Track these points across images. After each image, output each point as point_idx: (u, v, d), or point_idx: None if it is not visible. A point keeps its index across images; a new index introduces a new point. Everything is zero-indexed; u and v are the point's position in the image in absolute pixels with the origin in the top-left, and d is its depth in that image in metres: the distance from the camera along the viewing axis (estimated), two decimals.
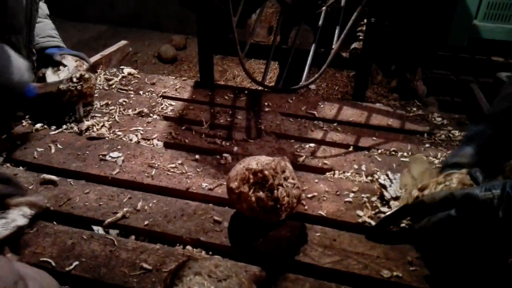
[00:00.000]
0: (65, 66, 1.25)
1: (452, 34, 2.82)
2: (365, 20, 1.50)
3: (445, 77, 2.93)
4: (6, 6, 1.07)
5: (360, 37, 1.43)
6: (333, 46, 1.15)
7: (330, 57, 1.10)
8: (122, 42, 1.67)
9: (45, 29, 1.31)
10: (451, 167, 0.86)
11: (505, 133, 0.85)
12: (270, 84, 2.39)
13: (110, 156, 1.04)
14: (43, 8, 1.33)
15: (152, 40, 4.27)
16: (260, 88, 1.41)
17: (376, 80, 3.06)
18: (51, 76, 1.22)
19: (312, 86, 2.70)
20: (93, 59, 1.50)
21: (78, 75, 1.18)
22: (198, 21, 1.42)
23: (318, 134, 1.20)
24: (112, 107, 1.26)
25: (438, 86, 2.92)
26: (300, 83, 1.12)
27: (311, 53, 1.18)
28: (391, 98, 2.91)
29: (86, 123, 1.15)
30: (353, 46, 1.41)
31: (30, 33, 1.19)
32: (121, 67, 1.53)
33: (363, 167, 1.05)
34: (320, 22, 1.25)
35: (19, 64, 1.07)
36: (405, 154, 1.12)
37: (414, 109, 1.36)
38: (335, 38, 1.18)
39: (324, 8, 1.29)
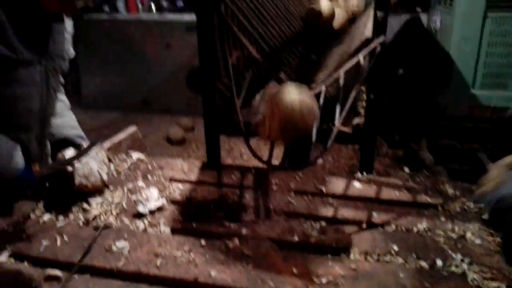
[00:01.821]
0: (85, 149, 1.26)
1: (451, 104, 2.89)
2: (364, 96, 1.55)
3: (450, 146, 2.95)
4: (15, 108, 1.10)
5: (361, 113, 1.47)
6: (335, 124, 1.18)
7: (333, 135, 1.12)
8: (131, 128, 1.72)
9: (68, 121, 1.37)
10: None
11: None
12: (277, 162, 2.41)
13: (116, 246, 1.01)
14: (65, 101, 1.39)
15: (161, 123, 4.43)
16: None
17: (382, 152, 3.08)
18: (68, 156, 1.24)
19: (319, 161, 2.71)
20: (104, 145, 1.53)
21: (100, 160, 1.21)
22: (204, 104, 1.48)
23: (328, 211, 1.17)
24: (120, 194, 1.26)
25: (444, 155, 2.92)
26: (306, 161, 1.12)
27: (314, 132, 1.21)
28: (399, 169, 2.90)
29: (93, 212, 1.14)
30: (355, 121, 1.43)
31: (44, 128, 1.23)
32: (130, 152, 1.56)
33: (380, 246, 1.01)
34: (321, 101, 1.30)
35: (6, 149, 1.06)
36: (420, 229, 1.07)
37: (424, 179, 1.34)
38: (337, 116, 1.21)
39: (323, 87, 1.34)
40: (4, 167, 1.06)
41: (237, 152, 3.68)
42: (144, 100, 4.68)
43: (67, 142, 1.32)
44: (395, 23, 3.79)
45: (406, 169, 2.98)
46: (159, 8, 4.31)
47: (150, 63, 4.49)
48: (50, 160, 1.32)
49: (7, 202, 1.15)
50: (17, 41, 1.01)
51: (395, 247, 0.99)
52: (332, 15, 1.69)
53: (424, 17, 3.63)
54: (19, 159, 1.10)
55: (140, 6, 4.33)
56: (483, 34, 2.68)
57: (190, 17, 4.13)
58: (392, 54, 3.76)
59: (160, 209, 1.18)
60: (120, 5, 4.27)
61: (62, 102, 1.37)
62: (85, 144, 1.31)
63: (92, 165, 1.21)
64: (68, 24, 1.21)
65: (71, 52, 1.27)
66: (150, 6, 4.30)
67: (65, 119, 1.36)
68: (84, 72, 4.53)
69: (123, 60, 4.45)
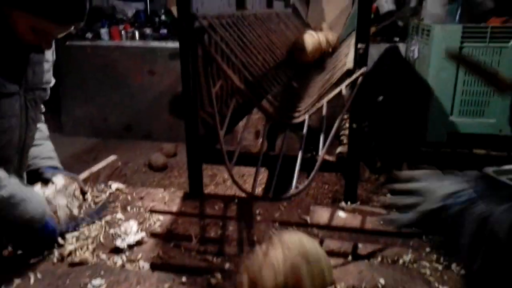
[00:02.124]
0: (53, 183, 1.22)
1: (430, 131, 2.95)
2: (347, 125, 1.57)
3: None
4: None
5: (344, 142, 1.47)
6: (319, 154, 1.17)
7: (317, 165, 1.11)
8: (111, 158, 1.69)
9: (44, 151, 1.32)
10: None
11: None
12: (260, 191, 2.39)
13: (92, 285, 0.96)
14: (43, 131, 1.35)
15: (143, 149, 4.36)
16: None
17: (364, 177, 3.10)
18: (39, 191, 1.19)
19: (301, 187, 2.71)
20: (81, 176, 1.49)
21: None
22: (186, 133, 1.46)
23: None
24: (97, 227, 1.21)
25: None
26: (290, 191, 1.11)
27: (298, 160, 1.20)
28: (381, 194, 2.91)
29: (68, 247, 1.09)
30: (338, 150, 1.44)
31: (22, 160, 1.19)
32: (109, 182, 1.52)
33: (367, 279, 0.99)
34: (304, 131, 1.30)
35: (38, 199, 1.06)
36: (406, 261, 1.06)
37: None
38: (320, 146, 1.21)
39: (306, 116, 1.34)
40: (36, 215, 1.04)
41: (220, 179, 3.64)
42: (127, 126, 4.63)
43: (40, 174, 1.27)
44: (374, 51, 3.92)
45: (389, 195, 2.99)
46: (143, 36, 4.34)
47: (133, 89, 4.47)
48: None
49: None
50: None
51: (382, 281, 0.97)
52: (315, 50, 1.72)
53: (402, 47, 3.75)
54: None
55: (123, 33, 4.34)
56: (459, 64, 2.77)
57: (174, 44, 4.17)
58: (372, 82, 3.86)
59: (139, 243, 1.14)
60: (103, 32, 4.28)
61: (41, 131, 1.33)
62: (61, 175, 1.27)
63: (60, 201, 1.16)
64: (49, 53, 1.18)
65: (51, 81, 1.24)
66: (134, 34, 4.32)
67: (41, 148, 1.31)
68: (65, 98, 4.48)
69: (105, 86, 4.42)
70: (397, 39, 3.94)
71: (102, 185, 1.49)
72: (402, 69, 3.61)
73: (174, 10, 4.34)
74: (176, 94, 4.23)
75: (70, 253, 1.08)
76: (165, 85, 4.39)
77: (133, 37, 4.34)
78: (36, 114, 1.19)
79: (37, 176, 1.25)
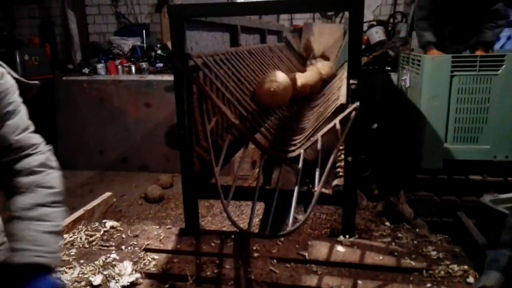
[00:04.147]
0: None
1: (425, 158, 2.96)
2: (342, 156, 1.57)
3: (428, 199, 2.98)
4: None
5: (340, 174, 1.47)
6: (315, 188, 1.17)
7: (314, 200, 1.10)
8: (106, 194, 1.67)
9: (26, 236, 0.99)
10: None
11: None
12: (256, 227, 2.36)
13: None
14: (30, 200, 1.04)
15: (139, 181, 4.34)
16: None
17: (361, 206, 3.07)
18: None
19: (299, 217, 2.68)
20: (76, 214, 1.47)
21: None
22: (182, 169, 1.46)
23: (312, 280, 1.13)
24: (91, 269, 1.18)
25: (423, 207, 2.94)
26: (288, 228, 1.09)
27: (294, 195, 1.19)
28: (380, 222, 2.89)
29: None
30: (334, 183, 1.43)
31: None
32: (104, 220, 1.50)
33: None
34: (300, 165, 1.30)
35: None
36: None
37: (405, 233, 1.33)
38: (316, 180, 1.21)
39: (302, 151, 1.35)
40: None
41: (217, 210, 3.60)
42: (123, 158, 4.62)
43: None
44: (367, 81, 4.00)
45: (387, 223, 2.97)
46: (139, 70, 4.41)
47: (129, 121, 4.49)
48: None
49: None
50: None
51: None
52: (287, 89, 1.67)
53: (394, 76, 3.83)
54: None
55: (120, 67, 4.41)
56: (451, 92, 2.82)
57: (169, 77, 4.23)
58: (366, 110, 3.91)
59: (133, 284, 1.11)
60: (100, 67, 4.35)
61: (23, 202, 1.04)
62: None
63: None
64: None
65: None
66: (130, 68, 4.39)
67: (24, 229, 1.00)
68: (61, 132, 4.49)
69: (101, 119, 4.44)
70: (388, 68, 4.03)
71: (97, 223, 1.47)
72: (395, 97, 3.67)
73: (169, 44, 4.44)
74: (172, 126, 4.26)
75: None
76: (161, 117, 4.43)
77: (129, 71, 4.41)
78: None
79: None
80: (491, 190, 2.81)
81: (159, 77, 4.33)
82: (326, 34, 4.11)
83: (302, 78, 1.94)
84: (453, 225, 1.44)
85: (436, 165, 2.97)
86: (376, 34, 4.31)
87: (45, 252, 0.97)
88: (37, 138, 1.18)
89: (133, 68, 4.39)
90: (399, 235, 1.36)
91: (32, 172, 1.09)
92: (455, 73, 2.75)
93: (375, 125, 4.02)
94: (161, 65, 4.46)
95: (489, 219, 2.08)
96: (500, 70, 2.70)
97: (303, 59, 3.47)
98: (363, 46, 4.45)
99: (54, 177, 1.13)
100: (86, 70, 4.40)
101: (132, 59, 4.60)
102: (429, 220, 2.92)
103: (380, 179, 3.41)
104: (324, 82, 2.89)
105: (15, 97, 1.12)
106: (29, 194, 1.05)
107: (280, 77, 1.61)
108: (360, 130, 1.33)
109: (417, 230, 1.53)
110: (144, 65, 4.40)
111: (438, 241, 1.34)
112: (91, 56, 4.61)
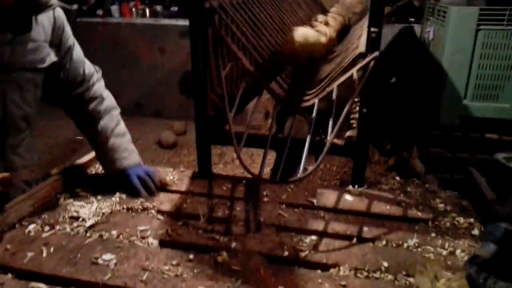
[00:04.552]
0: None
1: (443, 114, 2.92)
2: (357, 109, 1.55)
3: (441, 155, 2.97)
4: None
5: (354, 125, 1.47)
6: (328, 138, 1.17)
7: (325, 149, 1.11)
8: None
9: (124, 143, 1.40)
10: (475, 263, 0.84)
11: None
12: (267, 175, 2.40)
13: (102, 259, 0.99)
14: (107, 121, 1.39)
15: (153, 127, 4.40)
16: None
17: (373, 159, 3.09)
18: None
19: (310, 168, 2.72)
20: (93, 153, 1.51)
21: None
22: (196, 115, 1.47)
23: (319, 225, 1.17)
24: (108, 204, 1.24)
25: (435, 164, 2.94)
26: (298, 175, 1.12)
27: (306, 144, 1.20)
28: (390, 177, 2.91)
29: (89, 222, 1.13)
30: (347, 134, 1.43)
31: (4, 142, 1.20)
32: None
33: (370, 262, 1.00)
34: (314, 114, 1.29)
35: None
36: (411, 245, 1.07)
37: (415, 188, 1.35)
38: (329, 130, 1.21)
39: (316, 100, 1.34)
40: None
41: (229, 158, 3.67)
42: (137, 104, 4.65)
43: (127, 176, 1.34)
44: (389, 32, 3.84)
45: (397, 178, 2.99)
46: (153, 13, 4.30)
47: (143, 66, 4.47)
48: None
49: None
50: None
51: (385, 264, 0.99)
52: (311, 46, 1.63)
53: (417, 28, 3.66)
54: None
55: (134, 10, 4.31)
56: (475, 46, 2.71)
57: (184, 22, 4.13)
58: (385, 63, 3.80)
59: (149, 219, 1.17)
60: (114, 9, 4.25)
61: (110, 115, 1.38)
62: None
63: None
64: (39, 32, 1.13)
65: (45, 60, 1.18)
66: (144, 11, 4.29)
67: (121, 140, 1.38)
68: None
69: (115, 63, 4.42)
70: (412, 19, 3.85)
71: None
72: (416, 50, 3.54)
73: None
74: (186, 72, 4.23)
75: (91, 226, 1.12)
76: (175, 63, 4.39)
77: (143, 14, 4.32)
78: (22, 97, 1.16)
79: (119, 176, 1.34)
80: (506, 150, 2.78)
81: (173, 22, 4.24)
82: None
83: (326, 33, 1.86)
84: (463, 180, 1.44)
85: (454, 121, 2.93)
86: None
87: (136, 154, 1.41)
88: (91, 65, 1.33)
89: (147, 11, 4.29)
90: (408, 189, 1.38)
91: (103, 98, 1.39)
92: (481, 26, 2.62)
93: (394, 79, 3.92)
94: (176, 8, 4.34)
95: (501, 176, 2.08)
96: None
97: (322, 6, 3.33)
98: None
99: (112, 97, 1.44)
100: (99, 12, 4.31)
101: (146, 2, 4.48)
102: (440, 176, 2.93)
103: (394, 134, 3.39)
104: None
105: (69, 28, 1.22)
106: (108, 117, 1.37)
107: (308, 33, 1.58)
108: (378, 83, 1.30)
109: (427, 185, 1.54)
110: (158, 8, 4.29)
111: (447, 196, 1.35)
112: None
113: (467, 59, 2.73)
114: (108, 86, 1.43)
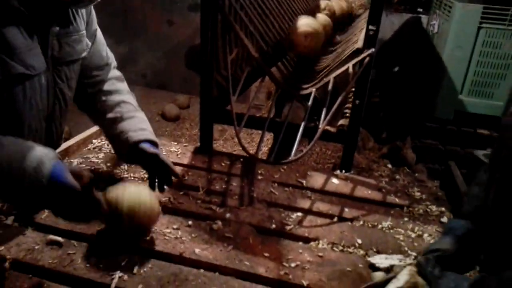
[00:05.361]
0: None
1: (439, 107, 3.01)
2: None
3: (433, 147, 3.09)
4: (25, 117, 1.06)
5: (347, 115, 1.57)
6: (320, 126, 1.29)
7: (317, 135, 1.23)
8: None
9: (134, 124, 1.22)
10: (431, 253, 0.94)
11: (480, 230, 0.93)
12: (264, 155, 2.53)
13: None
14: (131, 102, 1.28)
15: (157, 98, 4.49)
16: None
17: (367, 146, 3.21)
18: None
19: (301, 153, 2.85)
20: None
21: None
22: (201, 94, 1.57)
23: (305, 204, 1.30)
24: (118, 172, 1.37)
25: (427, 154, 3.06)
26: (289, 158, 1.24)
27: (300, 130, 1.32)
28: (382, 164, 3.04)
29: None
30: (340, 122, 1.54)
31: (53, 131, 1.20)
32: None
33: (346, 238, 1.14)
34: (310, 102, 1.40)
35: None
36: (384, 226, 1.20)
37: (404, 177, 1.47)
38: (322, 117, 1.32)
39: (313, 89, 1.44)
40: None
41: (229, 135, 3.78)
42: (143, 74, 4.73)
43: (136, 148, 1.18)
44: (396, 20, 3.87)
45: (389, 165, 3.12)
46: None
47: (151, 37, 4.52)
48: None
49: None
50: (27, 55, 1.01)
51: (359, 241, 1.12)
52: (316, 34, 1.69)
53: (424, 19, 3.70)
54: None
55: None
56: (476, 44, 2.78)
57: None
58: (390, 51, 3.85)
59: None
60: None
61: (129, 103, 1.27)
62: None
63: None
64: (80, 23, 1.17)
65: (84, 50, 1.21)
66: None
67: (131, 121, 1.22)
68: None
69: (123, 31, 4.47)
70: (420, 10, 3.87)
71: None
72: (421, 42, 3.60)
73: None
74: (193, 46, 4.28)
75: None
76: (183, 36, 4.43)
77: None
78: (69, 87, 1.19)
79: (136, 152, 1.18)
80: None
81: None
82: None
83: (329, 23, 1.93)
84: (443, 172, 1.56)
85: (448, 115, 3.03)
86: None
87: (153, 132, 1.25)
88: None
89: None
90: (397, 177, 1.50)
91: (122, 80, 1.36)
92: (483, 24, 2.69)
93: (397, 68, 3.99)
94: None
95: (478, 171, 2.20)
96: None
97: None
98: None
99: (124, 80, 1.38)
100: None
101: None
102: (430, 167, 3.06)
103: (391, 123, 3.50)
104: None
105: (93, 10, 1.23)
106: (129, 96, 1.31)
107: (313, 24, 1.66)
108: (380, 71, 1.39)
109: (416, 174, 1.65)
110: None
111: (433, 186, 1.47)
112: None
113: (466, 55, 2.81)
114: (115, 53, 1.39)
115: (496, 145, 0.87)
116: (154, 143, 1.21)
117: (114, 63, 1.37)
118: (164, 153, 1.35)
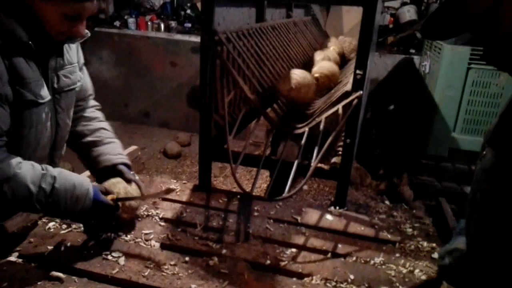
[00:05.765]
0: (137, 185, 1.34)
1: (432, 145, 3.09)
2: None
3: (429, 183, 3.13)
4: (30, 144, 1.15)
5: (340, 153, 1.64)
6: (312, 164, 1.35)
7: (309, 173, 1.29)
8: (132, 147, 1.89)
9: (116, 148, 1.40)
10: (449, 254, 0.96)
11: None
12: (265, 188, 2.58)
13: (111, 256, 1.17)
14: (109, 130, 1.45)
15: (159, 136, 4.59)
16: None
17: (365, 183, 3.25)
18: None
19: (305, 187, 2.89)
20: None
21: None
22: (200, 134, 1.65)
23: (300, 240, 1.33)
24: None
25: (423, 191, 3.10)
26: (283, 195, 1.29)
27: (294, 167, 1.38)
28: (380, 201, 3.07)
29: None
30: (333, 160, 1.61)
31: (53, 158, 1.31)
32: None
33: (339, 274, 1.17)
34: (303, 141, 1.47)
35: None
36: (377, 262, 1.24)
37: (401, 213, 1.51)
38: (314, 156, 1.39)
39: (306, 129, 1.52)
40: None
41: (229, 172, 3.83)
42: (146, 113, 4.85)
43: (113, 169, 1.35)
44: (389, 61, 4.03)
45: (387, 202, 3.15)
46: (168, 28, 4.53)
47: (154, 78, 4.68)
48: None
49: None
50: (35, 85, 1.12)
51: (352, 276, 1.15)
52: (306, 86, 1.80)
53: (417, 60, 3.86)
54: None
55: (149, 24, 4.55)
56: (466, 83, 2.90)
57: (197, 38, 4.35)
58: (385, 90, 3.98)
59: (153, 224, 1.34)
60: (131, 21, 4.49)
61: (107, 131, 1.43)
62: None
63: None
64: (72, 55, 1.27)
65: (78, 80, 1.31)
66: (159, 25, 4.52)
67: (112, 146, 1.40)
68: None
69: (128, 73, 4.64)
70: (413, 51, 4.04)
71: None
72: (414, 81, 3.73)
73: (199, 5, 4.52)
74: (195, 86, 4.43)
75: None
76: (185, 77, 4.59)
77: (158, 29, 4.55)
78: (68, 115, 1.30)
79: (112, 172, 1.34)
80: None
81: (186, 37, 4.46)
82: (353, 11, 4.11)
83: (322, 71, 2.03)
84: (434, 208, 1.61)
85: (442, 152, 3.10)
86: (408, 13, 4.22)
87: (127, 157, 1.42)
88: None
89: (162, 25, 4.52)
90: (395, 214, 1.53)
91: (100, 108, 1.52)
92: (472, 65, 2.81)
93: (392, 107, 4.10)
94: (189, 25, 4.58)
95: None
96: None
97: (327, 36, 3.54)
98: (391, 26, 4.44)
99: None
100: (117, 23, 4.56)
101: (162, 16, 4.72)
102: (427, 203, 3.09)
103: (387, 160, 3.56)
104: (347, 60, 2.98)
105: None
106: (107, 124, 1.48)
107: (301, 76, 1.76)
108: (376, 109, 1.47)
109: (414, 211, 1.68)
110: (173, 23, 4.53)
111: (430, 222, 1.51)
112: (122, 8, 4.75)
113: (457, 95, 2.92)
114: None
115: (473, 186, 0.92)
116: (128, 166, 1.41)
117: (93, 93, 1.52)
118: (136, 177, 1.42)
